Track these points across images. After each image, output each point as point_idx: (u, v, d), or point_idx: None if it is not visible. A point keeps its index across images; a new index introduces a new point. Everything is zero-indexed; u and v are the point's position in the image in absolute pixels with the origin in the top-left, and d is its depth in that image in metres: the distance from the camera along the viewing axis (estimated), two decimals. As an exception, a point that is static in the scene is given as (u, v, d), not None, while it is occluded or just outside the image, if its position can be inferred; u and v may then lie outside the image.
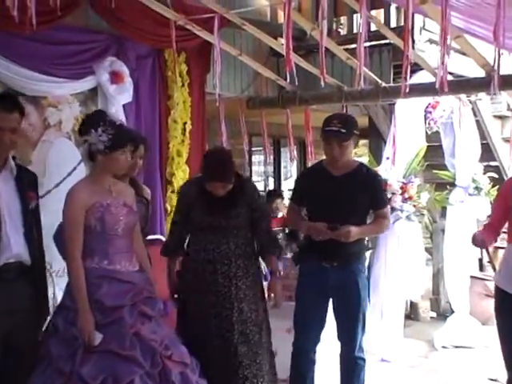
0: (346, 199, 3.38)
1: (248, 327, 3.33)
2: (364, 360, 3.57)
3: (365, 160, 5.51)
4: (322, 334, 3.57)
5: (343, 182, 3.42)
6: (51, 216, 3.45)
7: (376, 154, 5.77)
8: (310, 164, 5.27)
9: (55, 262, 3.77)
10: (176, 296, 3.45)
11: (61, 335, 2.71)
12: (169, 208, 4.80)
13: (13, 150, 2.84)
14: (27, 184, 2.78)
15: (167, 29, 4.13)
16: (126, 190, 3.04)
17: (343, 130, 3.32)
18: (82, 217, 2.76)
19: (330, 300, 3.53)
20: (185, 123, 5.01)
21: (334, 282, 3.43)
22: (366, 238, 6.47)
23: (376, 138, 6.08)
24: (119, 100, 4.45)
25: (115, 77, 4.41)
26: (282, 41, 4.61)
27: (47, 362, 2.67)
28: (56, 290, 3.73)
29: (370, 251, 5.81)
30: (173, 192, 4.85)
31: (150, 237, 4.01)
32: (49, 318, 2.88)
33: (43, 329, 2.84)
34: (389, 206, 3.75)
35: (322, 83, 3.44)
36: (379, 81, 4.87)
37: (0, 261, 2.57)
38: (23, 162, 3.91)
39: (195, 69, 5.08)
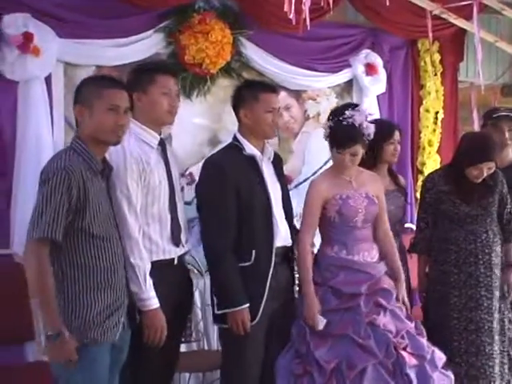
0: None
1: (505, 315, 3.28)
2: None
3: None
4: None
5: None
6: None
7: None
8: None
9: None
10: (424, 295, 3.38)
11: (299, 317, 2.80)
12: (419, 197, 4.82)
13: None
14: (280, 167, 2.90)
15: (422, 19, 4.17)
16: (370, 180, 2.95)
17: None
18: (319, 208, 2.83)
19: None
20: (437, 112, 5.00)
21: None
22: None
23: None
24: (373, 91, 4.63)
25: (370, 69, 4.59)
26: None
27: (291, 342, 2.79)
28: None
29: None
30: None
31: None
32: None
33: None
34: None
35: None
36: None
37: (273, 244, 2.68)
38: (285, 151, 4.30)
39: (448, 57, 5.04)
